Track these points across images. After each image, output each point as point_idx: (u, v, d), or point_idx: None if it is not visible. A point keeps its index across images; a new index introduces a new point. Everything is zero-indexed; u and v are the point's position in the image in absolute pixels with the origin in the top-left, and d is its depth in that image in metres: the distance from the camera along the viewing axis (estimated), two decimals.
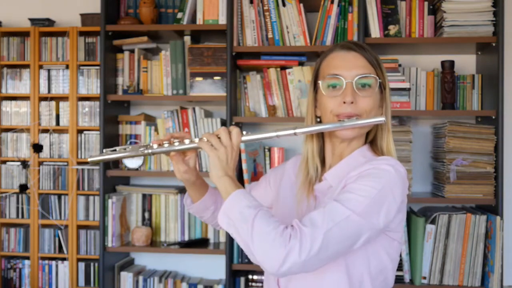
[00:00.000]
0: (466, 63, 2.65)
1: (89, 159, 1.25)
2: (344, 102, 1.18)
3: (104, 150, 1.24)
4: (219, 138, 1.16)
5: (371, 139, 1.27)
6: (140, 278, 2.66)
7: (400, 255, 2.40)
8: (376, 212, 1.07)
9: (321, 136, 1.28)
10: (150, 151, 1.21)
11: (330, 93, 1.20)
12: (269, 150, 2.59)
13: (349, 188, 1.10)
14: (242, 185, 2.46)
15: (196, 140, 1.20)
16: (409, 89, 2.44)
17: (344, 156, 1.24)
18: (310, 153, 1.27)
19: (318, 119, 1.26)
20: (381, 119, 1.16)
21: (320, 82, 1.23)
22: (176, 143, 1.21)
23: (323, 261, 1.03)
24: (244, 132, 1.19)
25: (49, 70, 2.75)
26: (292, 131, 1.17)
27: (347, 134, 1.19)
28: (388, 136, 1.24)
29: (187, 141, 1.21)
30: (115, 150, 1.23)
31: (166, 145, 1.22)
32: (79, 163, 2.71)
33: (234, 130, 1.18)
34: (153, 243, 2.64)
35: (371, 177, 1.10)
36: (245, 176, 2.45)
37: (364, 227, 1.05)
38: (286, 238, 1.00)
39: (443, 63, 2.51)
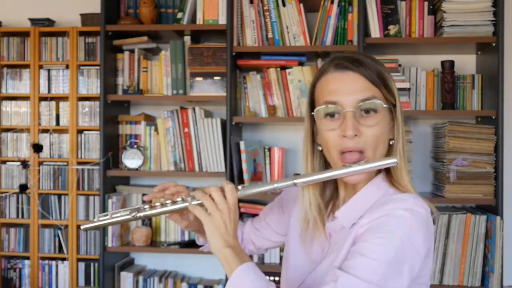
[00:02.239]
0: (466, 63, 2.65)
1: (82, 227, 1.20)
2: (345, 136, 1.00)
3: (95, 218, 1.21)
4: (212, 198, 1.02)
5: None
6: (140, 278, 2.66)
7: None
8: (397, 275, 0.90)
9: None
10: (142, 214, 1.14)
11: (328, 125, 1.02)
12: (269, 150, 2.59)
13: (360, 249, 0.93)
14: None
15: (189, 199, 1.08)
16: (409, 89, 2.44)
17: (358, 189, 1.05)
18: (307, 204, 1.09)
19: (319, 147, 1.08)
20: (393, 161, 0.98)
21: (315, 112, 1.05)
22: (169, 204, 1.11)
23: None
24: (240, 187, 1.04)
25: (49, 70, 2.75)
26: (291, 182, 1.02)
27: (354, 179, 1.02)
28: (401, 163, 1.04)
29: (179, 200, 1.09)
30: (106, 215, 1.19)
31: (158, 206, 1.12)
32: (79, 163, 2.71)
33: (227, 187, 1.01)
34: (153, 243, 2.64)
35: (384, 231, 0.92)
36: (245, 176, 2.45)
37: None
38: None
39: (443, 63, 2.51)
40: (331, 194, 1.12)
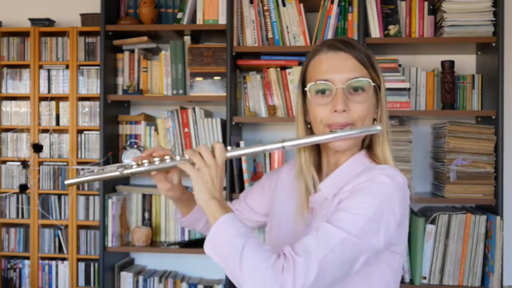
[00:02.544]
0: (466, 63, 2.65)
1: (66, 182, 1.18)
2: (335, 111, 1.07)
3: (81, 172, 1.20)
4: (201, 156, 1.07)
5: (367, 144, 1.16)
6: (140, 278, 2.66)
7: None
8: (374, 231, 0.98)
9: (314, 145, 1.18)
10: (129, 171, 1.13)
11: (319, 101, 1.09)
12: None
13: (343, 206, 1.00)
14: (242, 184, 2.47)
15: (178, 158, 1.11)
16: (409, 89, 2.44)
17: (340, 164, 1.14)
18: (304, 164, 1.16)
19: (309, 125, 1.16)
20: (377, 128, 1.06)
21: (307, 88, 1.12)
22: (157, 162, 1.13)
23: None
24: (229, 148, 1.09)
25: (49, 70, 2.75)
26: (280, 145, 1.08)
27: (340, 145, 1.09)
28: (383, 141, 1.12)
29: (168, 159, 1.12)
30: (92, 171, 1.17)
31: (145, 164, 1.13)
32: (79, 163, 2.70)
33: (217, 146, 1.07)
34: (153, 243, 2.64)
35: (366, 192, 1.01)
36: (245, 176, 2.45)
37: (362, 249, 0.96)
38: (278, 270, 0.91)
39: (443, 63, 2.51)
40: (315, 171, 1.18)
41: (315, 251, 0.93)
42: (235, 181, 2.44)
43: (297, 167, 1.18)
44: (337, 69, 1.09)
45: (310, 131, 1.17)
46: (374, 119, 1.13)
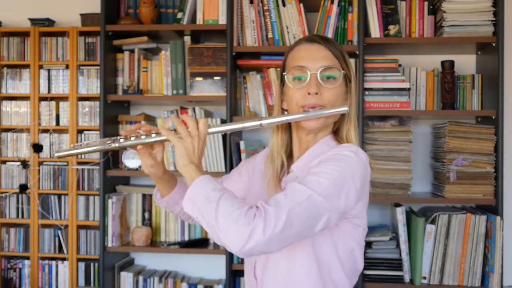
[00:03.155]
0: (466, 63, 2.65)
1: (56, 155, 1.24)
2: (309, 94, 1.20)
3: (72, 145, 1.24)
4: (186, 126, 1.16)
5: (335, 129, 1.29)
6: (140, 278, 2.66)
7: (400, 255, 2.40)
8: (336, 193, 1.09)
9: (288, 129, 1.31)
10: (117, 144, 1.21)
11: (295, 85, 1.22)
12: None
13: (312, 171, 1.13)
14: None
15: (162, 129, 1.19)
16: (409, 89, 2.44)
17: (310, 148, 1.26)
18: (276, 148, 1.30)
19: (286, 112, 1.29)
20: (344, 108, 1.18)
21: (285, 74, 1.25)
22: (143, 137, 1.21)
23: (286, 240, 1.05)
24: (210, 124, 1.20)
25: (49, 70, 2.75)
26: (258, 122, 1.19)
27: (311, 124, 1.22)
28: (350, 126, 1.26)
29: (153, 134, 1.20)
30: (81, 144, 1.22)
31: (133, 138, 1.21)
32: (79, 163, 2.71)
33: (202, 120, 1.18)
34: (153, 243, 2.64)
35: (333, 161, 1.13)
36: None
37: (325, 207, 1.08)
38: (250, 217, 1.01)
39: (443, 63, 2.51)
40: (287, 156, 1.31)
41: (284, 203, 1.04)
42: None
43: (269, 151, 1.33)
44: (312, 57, 1.22)
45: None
46: None
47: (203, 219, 1.06)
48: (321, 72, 1.20)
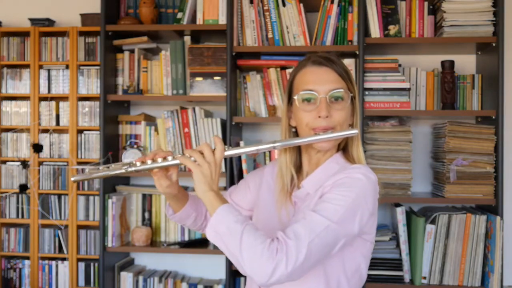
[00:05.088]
0: (466, 63, 2.65)
1: (72, 179, 1.26)
2: (319, 116, 1.24)
3: (87, 169, 1.25)
4: (202, 154, 1.19)
5: (343, 147, 1.34)
6: (140, 278, 2.66)
7: (400, 255, 2.40)
8: (351, 219, 1.15)
9: (297, 147, 1.34)
10: (133, 169, 1.22)
11: (305, 107, 1.26)
12: (269, 150, 2.58)
13: (326, 198, 1.17)
14: None
15: (179, 155, 1.22)
16: (409, 89, 2.44)
17: (320, 164, 1.30)
18: (284, 165, 1.33)
19: (294, 129, 1.33)
20: (354, 131, 1.24)
21: (295, 97, 1.28)
22: (160, 160, 1.23)
23: (306, 270, 1.10)
24: (226, 147, 1.22)
25: (49, 70, 2.75)
26: (271, 145, 1.22)
27: (323, 146, 1.27)
28: (358, 144, 1.31)
29: (170, 158, 1.23)
30: (98, 168, 1.23)
31: (149, 162, 1.23)
32: (79, 163, 2.70)
33: (218, 146, 1.20)
34: (153, 243, 2.64)
35: (345, 187, 1.17)
36: (245, 176, 2.45)
37: (341, 234, 1.13)
38: (273, 251, 1.06)
39: (443, 63, 2.51)
40: (296, 170, 1.34)
41: (304, 236, 1.09)
42: (235, 181, 2.43)
43: (279, 167, 1.35)
44: (320, 81, 1.27)
45: (294, 134, 1.34)
46: (350, 125, 1.32)
47: (227, 249, 1.11)
48: (330, 96, 1.25)
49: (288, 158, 1.33)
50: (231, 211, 1.13)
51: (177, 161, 1.23)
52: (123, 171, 1.23)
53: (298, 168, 1.36)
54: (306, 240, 1.08)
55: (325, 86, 1.26)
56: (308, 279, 1.20)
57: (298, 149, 1.35)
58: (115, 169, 1.23)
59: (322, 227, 1.11)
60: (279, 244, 1.07)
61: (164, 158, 1.24)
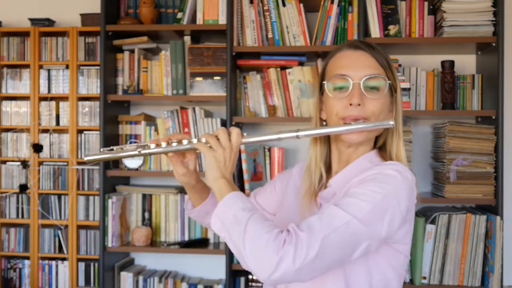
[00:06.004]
0: (466, 63, 2.65)
1: (85, 158, 1.21)
2: (351, 104, 1.09)
3: (101, 149, 1.21)
4: (218, 139, 1.10)
5: (381, 144, 1.18)
6: (140, 278, 2.66)
7: None
8: (379, 220, 0.98)
9: (327, 141, 1.20)
10: (147, 151, 1.17)
11: (336, 95, 1.12)
12: (269, 150, 2.59)
13: (351, 192, 1.02)
14: (242, 185, 2.47)
15: (195, 141, 1.15)
16: (409, 89, 2.44)
17: (350, 161, 1.15)
18: (314, 160, 1.19)
19: (324, 123, 1.18)
20: (390, 122, 1.08)
21: (325, 83, 1.15)
22: (174, 144, 1.16)
23: (318, 271, 0.95)
24: (245, 134, 1.14)
25: (49, 70, 2.75)
26: (294, 134, 1.11)
27: (353, 138, 1.11)
28: (398, 141, 1.15)
29: (185, 141, 1.16)
30: (112, 149, 1.19)
31: (163, 145, 1.17)
32: (79, 163, 2.71)
33: (234, 131, 1.11)
34: (153, 243, 2.64)
35: (375, 182, 1.02)
36: (245, 176, 2.45)
37: (364, 235, 0.97)
38: (280, 243, 0.92)
39: (443, 63, 2.51)
40: (326, 170, 1.20)
41: (318, 229, 0.94)
42: (235, 181, 2.44)
43: (308, 162, 1.21)
44: (355, 65, 1.12)
45: None
46: None
47: (231, 240, 0.98)
48: (364, 82, 1.10)
49: (318, 153, 1.19)
50: (240, 198, 1.01)
51: (191, 145, 1.14)
52: (136, 152, 1.17)
53: (328, 167, 1.20)
54: (320, 233, 0.93)
55: (360, 72, 1.10)
56: (327, 286, 1.06)
57: (328, 145, 1.20)
58: (128, 150, 1.18)
59: (342, 222, 0.95)
60: (289, 235, 0.93)
61: (179, 142, 1.15)
